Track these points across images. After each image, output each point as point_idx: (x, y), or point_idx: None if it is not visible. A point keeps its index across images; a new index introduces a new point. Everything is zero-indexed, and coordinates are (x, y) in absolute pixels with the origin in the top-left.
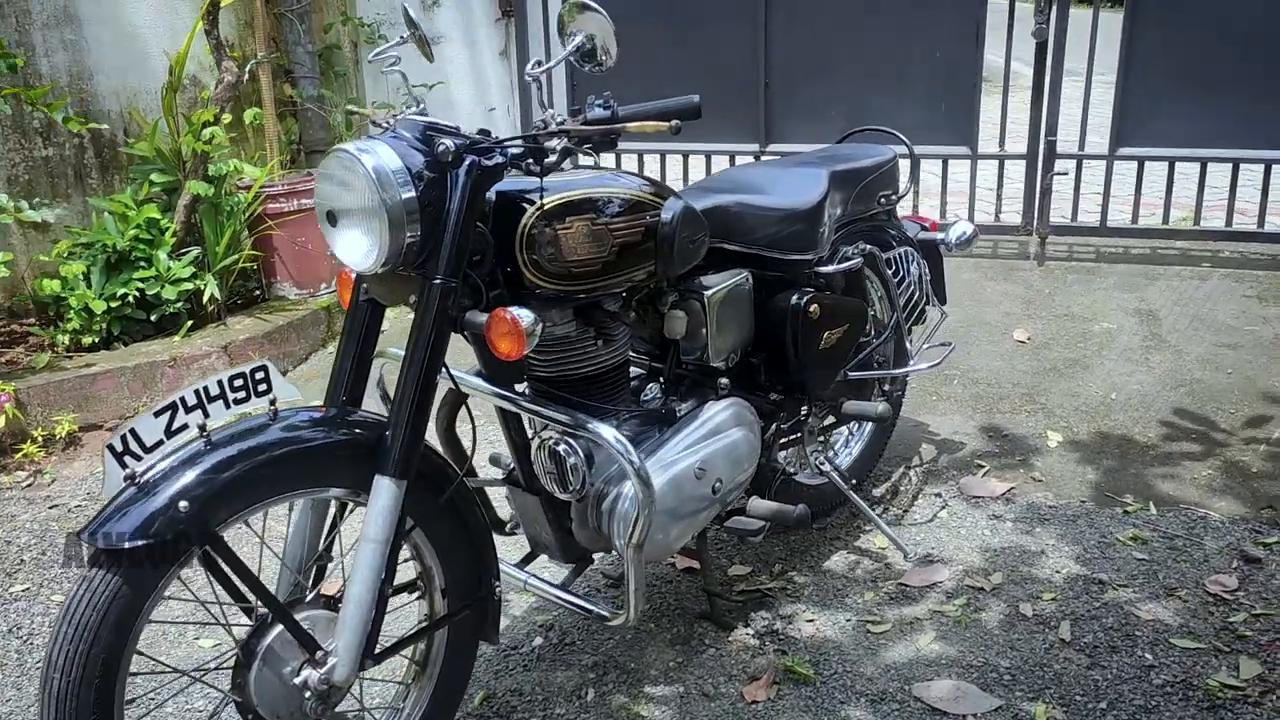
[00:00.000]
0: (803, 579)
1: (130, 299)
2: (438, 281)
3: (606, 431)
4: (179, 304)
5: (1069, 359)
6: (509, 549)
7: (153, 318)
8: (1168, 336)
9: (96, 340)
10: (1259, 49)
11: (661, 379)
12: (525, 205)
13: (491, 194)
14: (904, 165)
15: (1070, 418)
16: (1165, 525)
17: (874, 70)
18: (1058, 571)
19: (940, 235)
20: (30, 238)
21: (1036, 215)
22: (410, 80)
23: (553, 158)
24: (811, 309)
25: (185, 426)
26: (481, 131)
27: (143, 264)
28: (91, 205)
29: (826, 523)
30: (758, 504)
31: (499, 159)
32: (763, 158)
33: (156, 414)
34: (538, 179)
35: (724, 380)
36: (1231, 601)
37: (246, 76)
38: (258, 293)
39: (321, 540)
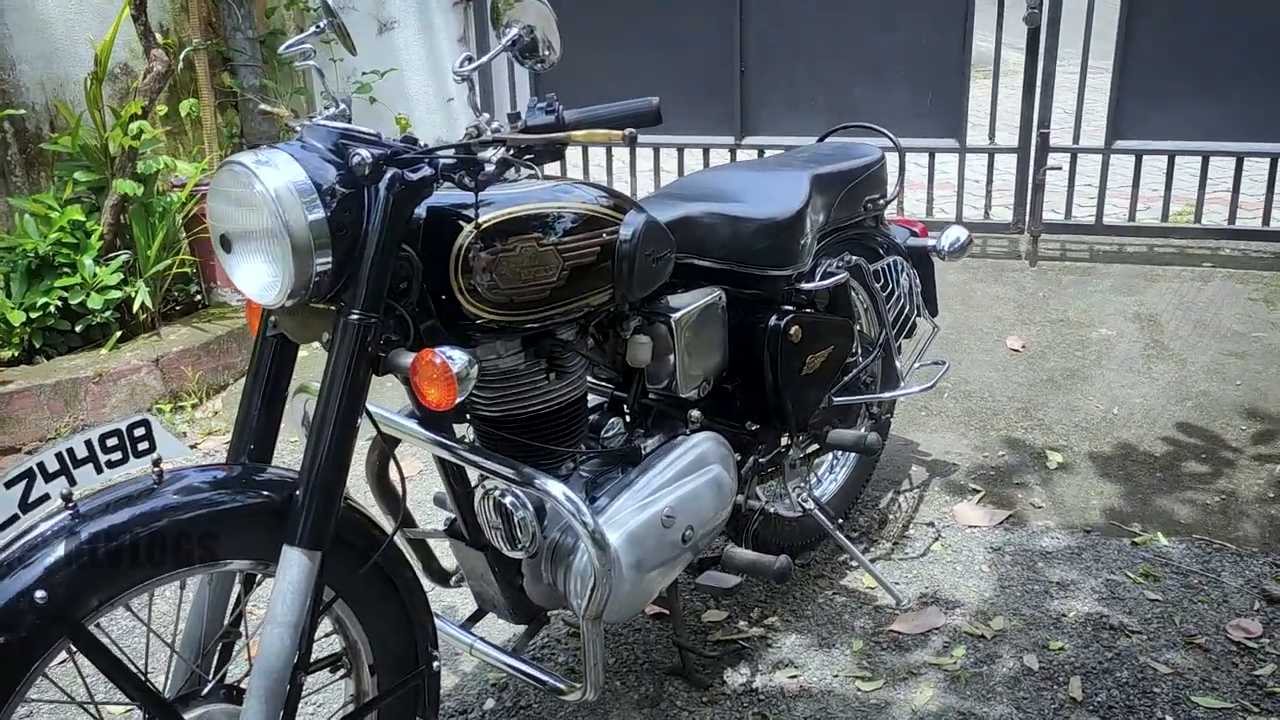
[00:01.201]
0: (785, 625)
1: (53, 309)
2: (354, 317)
3: (555, 488)
4: (107, 314)
5: (1067, 369)
6: (454, 601)
7: (78, 329)
8: (1170, 344)
9: (16, 354)
10: (1266, 35)
11: (625, 412)
12: (460, 224)
13: (422, 210)
14: (892, 165)
15: (1070, 435)
16: (1178, 559)
17: (857, 58)
18: (1064, 615)
19: (931, 242)
20: None
21: (1029, 212)
22: (362, 69)
23: (489, 169)
24: (792, 331)
25: (46, 497)
26: (406, 139)
27: (66, 270)
28: (12, 206)
29: (810, 558)
30: (734, 554)
31: (426, 171)
32: (738, 152)
33: (8, 484)
34: (511, 188)
35: (695, 412)
36: (1256, 650)
37: (180, 65)
38: (199, 298)
39: (227, 615)
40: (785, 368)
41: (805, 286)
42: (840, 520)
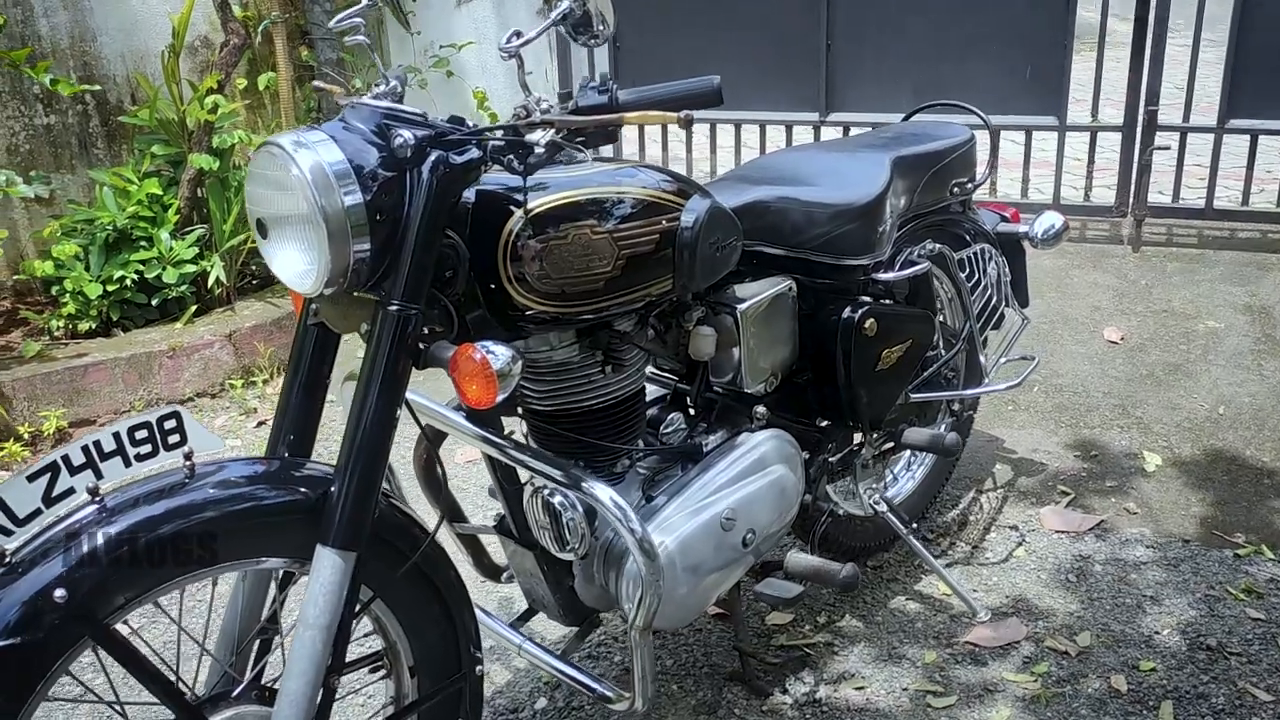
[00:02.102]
0: (853, 632)
1: (129, 282)
2: (394, 308)
3: (602, 492)
4: (182, 288)
5: (1169, 364)
6: (510, 594)
7: (154, 302)
8: None
9: (93, 327)
10: None
11: (688, 406)
12: (510, 210)
13: (470, 195)
14: (983, 144)
15: (1171, 435)
16: None
17: (950, 29)
18: (1156, 633)
19: (1024, 228)
20: (33, 211)
21: (1133, 195)
22: (439, 43)
23: (539, 153)
24: (867, 324)
25: (71, 491)
26: (454, 119)
27: (143, 244)
28: (92, 178)
29: (884, 559)
30: (797, 560)
31: (473, 154)
32: (822, 129)
33: (31, 477)
34: (570, 171)
35: (760, 408)
36: None
37: (259, 39)
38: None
39: (265, 610)
40: (858, 363)
41: (882, 277)
42: (913, 524)
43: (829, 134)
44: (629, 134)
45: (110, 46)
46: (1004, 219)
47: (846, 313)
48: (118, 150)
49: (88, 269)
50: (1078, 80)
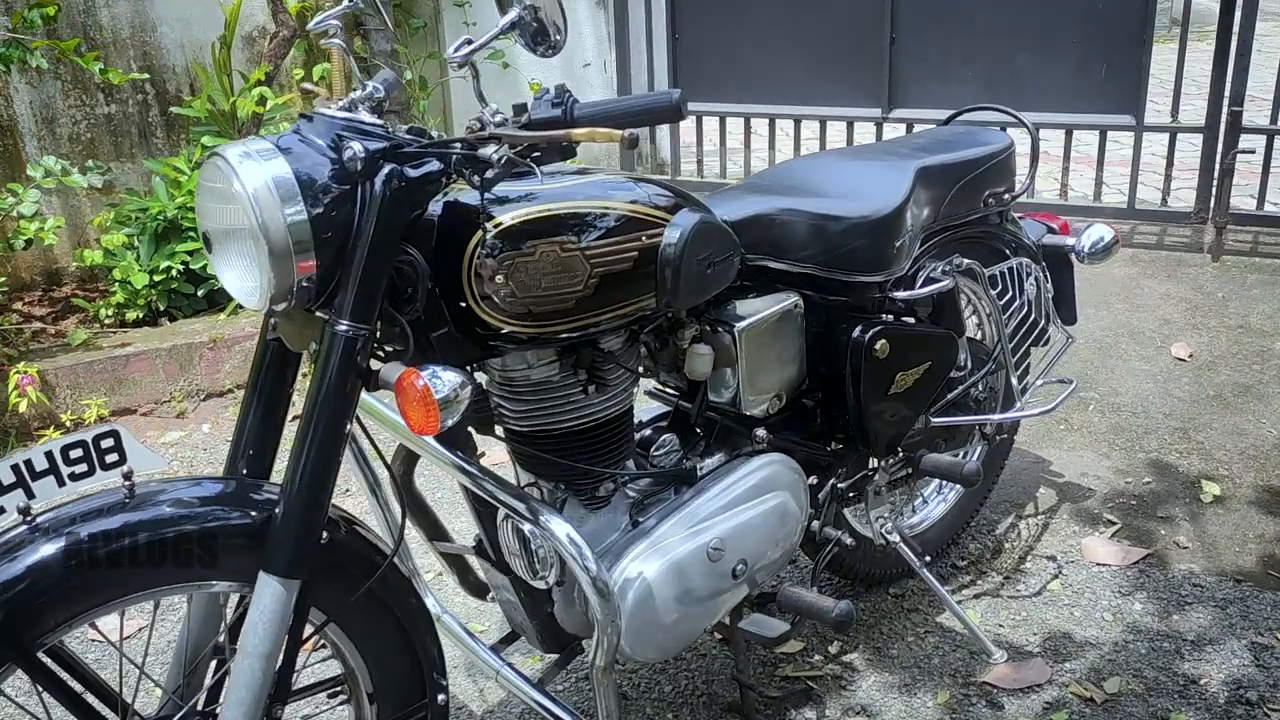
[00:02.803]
0: (865, 664)
1: (175, 272)
2: (341, 328)
3: (558, 527)
4: None
5: (1239, 385)
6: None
7: (200, 293)
8: None
9: (141, 315)
10: None
11: (687, 426)
12: (475, 227)
13: (436, 208)
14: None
15: (1233, 464)
16: None
17: (1020, 21)
18: (1194, 681)
19: (1070, 241)
20: (95, 200)
21: (1214, 200)
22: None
23: (495, 169)
24: (878, 345)
25: (1, 511)
26: (414, 130)
27: (191, 234)
28: (147, 168)
29: (907, 587)
30: (790, 593)
31: (432, 167)
32: (885, 126)
33: None
34: (513, 188)
35: (761, 431)
36: None
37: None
38: None
39: (220, 631)
40: (869, 386)
41: (899, 295)
42: (927, 557)
43: (891, 130)
44: (685, 130)
45: (170, 36)
46: (1051, 230)
47: (857, 333)
48: (176, 140)
49: (137, 259)
50: (1157, 76)
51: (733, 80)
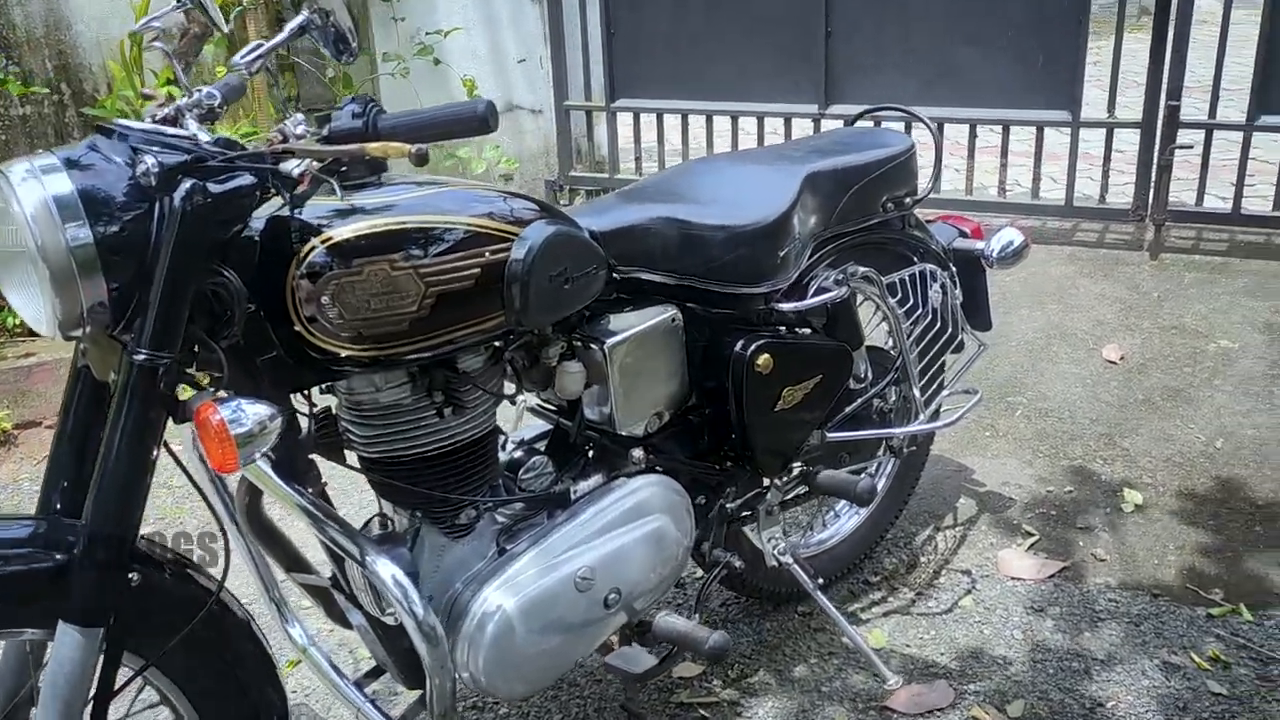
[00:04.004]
0: (763, 689)
1: None
2: (140, 357)
3: (384, 569)
4: None
5: (1169, 388)
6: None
7: None
8: None
9: None
10: None
11: (567, 445)
12: (299, 245)
13: (259, 224)
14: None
15: (1157, 471)
16: (1259, 641)
17: (958, 14)
18: (1100, 704)
19: (979, 245)
20: None
21: (1152, 197)
22: (423, 28)
23: (303, 186)
24: (760, 360)
25: None
26: (221, 143)
27: None
28: None
29: (815, 605)
30: (664, 622)
31: (243, 181)
32: (823, 121)
33: None
34: (343, 200)
35: (637, 452)
36: None
37: (231, 25)
38: None
39: (33, 679)
40: (754, 403)
41: (784, 307)
42: (820, 579)
43: (829, 125)
44: (625, 126)
45: (85, 35)
46: (962, 234)
47: (738, 347)
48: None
49: None
50: (1095, 71)
51: (669, 76)
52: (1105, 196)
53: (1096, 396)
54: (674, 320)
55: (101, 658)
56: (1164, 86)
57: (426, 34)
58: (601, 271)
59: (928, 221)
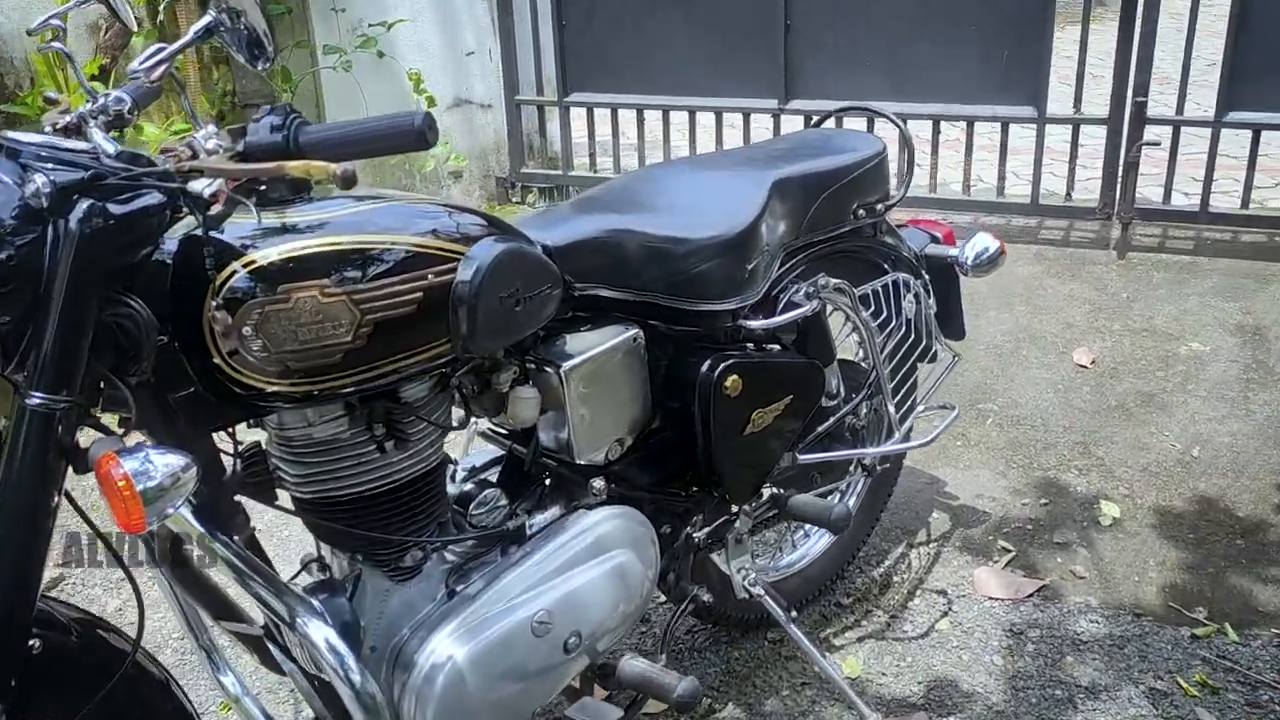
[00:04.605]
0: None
1: None
2: (33, 401)
3: (317, 632)
4: None
5: (1142, 394)
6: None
7: None
8: (1278, 366)
9: None
10: None
11: (521, 474)
12: (215, 270)
13: (171, 246)
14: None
15: (1134, 481)
16: (1247, 663)
17: (921, 7)
18: None
19: (953, 251)
20: None
21: (1119, 195)
22: (366, 19)
23: (217, 206)
24: (728, 382)
25: None
26: (124, 158)
27: None
28: None
29: (785, 632)
30: (630, 666)
31: (149, 200)
32: (782, 118)
33: None
34: (266, 219)
35: (598, 482)
36: None
37: (161, 17)
38: None
39: None
40: (721, 427)
41: (752, 325)
42: (793, 611)
43: (789, 123)
44: (577, 122)
45: (7, 27)
46: (934, 239)
47: (704, 369)
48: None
49: None
50: (1060, 66)
51: (624, 70)
52: (1071, 194)
53: (1069, 403)
54: (635, 340)
55: None
56: (1130, 81)
57: (370, 25)
58: (556, 290)
59: (898, 226)
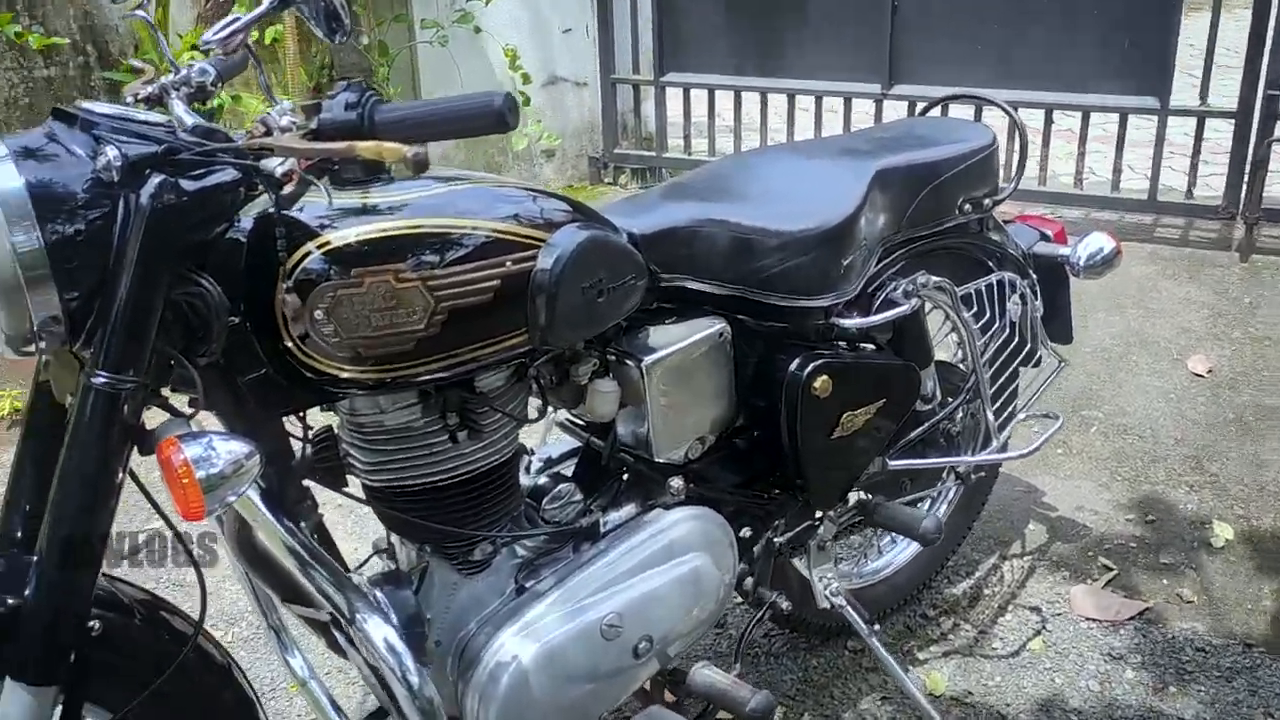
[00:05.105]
0: None
1: None
2: (99, 381)
3: (376, 632)
4: None
5: (1262, 407)
6: None
7: None
8: None
9: None
10: None
11: (599, 468)
12: (291, 249)
13: (247, 224)
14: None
15: (1250, 501)
16: None
17: None
18: None
19: (1065, 250)
20: None
21: (1244, 193)
22: None
23: (290, 186)
24: (817, 383)
25: None
26: (200, 132)
27: None
28: None
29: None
30: (702, 676)
31: (223, 176)
32: (885, 103)
33: None
34: (343, 200)
35: (676, 481)
36: None
37: None
38: None
39: None
40: (808, 429)
41: (845, 323)
42: (876, 625)
43: (892, 109)
44: (674, 102)
45: None
46: (1044, 237)
47: (793, 368)
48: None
49: None
50: (1186, 54)
51: (722, 50)
52: (1193, 191)
53: (1181, 413)
54: (721, 335)
55: (58, 716)
56: (1263, 73)
57: (468, 1)
58: (641, 281)
59: (1005, 221)
